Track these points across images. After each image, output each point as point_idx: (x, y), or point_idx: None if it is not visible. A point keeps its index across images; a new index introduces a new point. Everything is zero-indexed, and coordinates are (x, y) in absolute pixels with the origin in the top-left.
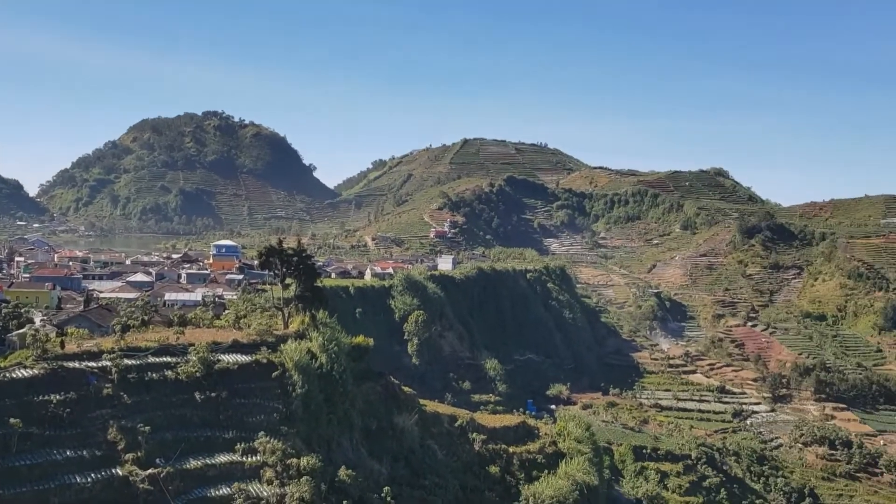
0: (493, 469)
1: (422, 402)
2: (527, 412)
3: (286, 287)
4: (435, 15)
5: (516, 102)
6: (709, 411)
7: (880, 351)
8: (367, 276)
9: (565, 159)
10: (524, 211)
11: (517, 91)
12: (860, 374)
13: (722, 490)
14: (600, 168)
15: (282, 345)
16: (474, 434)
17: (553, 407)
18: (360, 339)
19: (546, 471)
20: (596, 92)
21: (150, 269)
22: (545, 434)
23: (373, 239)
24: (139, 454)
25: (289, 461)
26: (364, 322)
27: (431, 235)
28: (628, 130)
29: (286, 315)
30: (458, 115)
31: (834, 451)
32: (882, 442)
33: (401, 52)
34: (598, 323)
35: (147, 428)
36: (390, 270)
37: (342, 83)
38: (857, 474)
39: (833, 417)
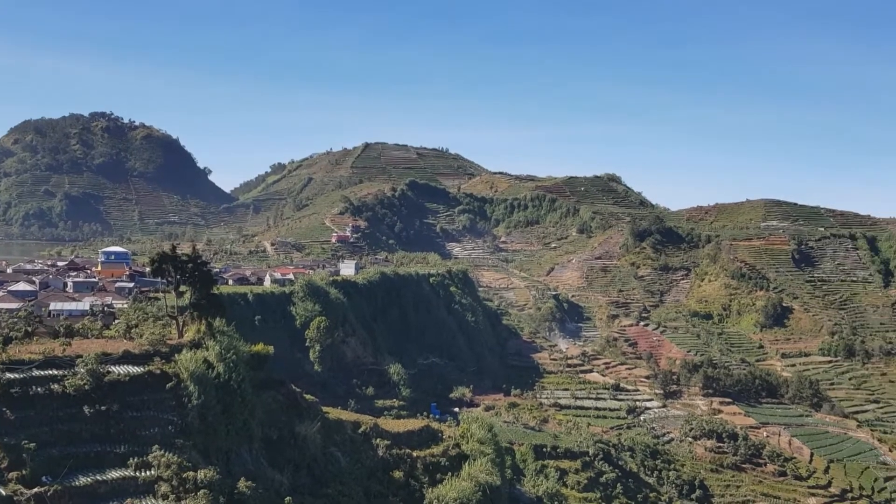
0: (397, 474)
1: (324, 409)
2: (431, 416)
3: (180, 295)
4: (331, 15)
5: (418, 107)
6: (605, 409)
7: (762, 347)
8: (267, 283)
9: (466, 164)
10: (427, 215)
11: (418, 96)
12: (744, 369)
13: (618, 485)
14: (500, 173)
15: (176, 355)
16: (378, 440)
17: (456, 410)
18: (259, 346)
19: (450, 473)
20: (494, 98)
21: (34, 278)
22: (449, 437)
23: (272, 244)
24: (24, 472)
25: (185, 475)
26: (264, 329)
27: (333, 240)
28: (526, 137)
29: (181, 324)
30: (360, 118)
31: (721, 444)
32: (765, 434)
33: (298, 52)
34: (500, 325)
35: (32, 445)
36: (291, 276)
37: (238, 83)
38: (743, 465)
39: (720, 411)
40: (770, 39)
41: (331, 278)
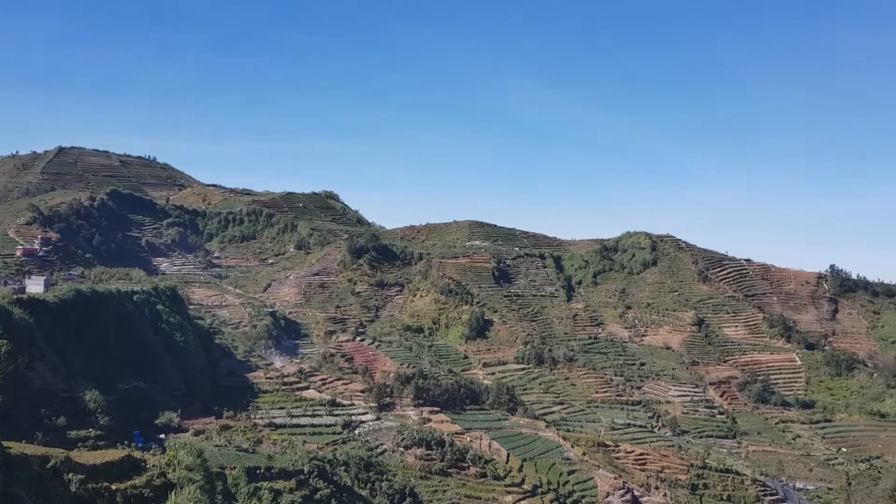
0: None
1: (5, 444)
2: (133, 444)
3: None
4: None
5: (121, 112)
6: (321, 425)
7: (467, 357)
8: None
9: (176, 175)
10: (131, 228)
11: (122, 99)
12: (451, 379)
13: (332, 500)
14: (214, 186)
15: None
16: (70, 474)
17: (163, 436)
18: None
19: None
20: (207, 108)
21: None
22: (153, 466)
23: None
24: None
25: None
26: None
27: (18, 254)
28: (242, 150)
29: None
30: (52, 119)
31: (430, 451)
32: (469, 439)
33: None
34: (213, 345)
35: None
36: None
37: None
38: (449, 470)
39: (429, 420)
40: (479, 73)
41: (14, 296)
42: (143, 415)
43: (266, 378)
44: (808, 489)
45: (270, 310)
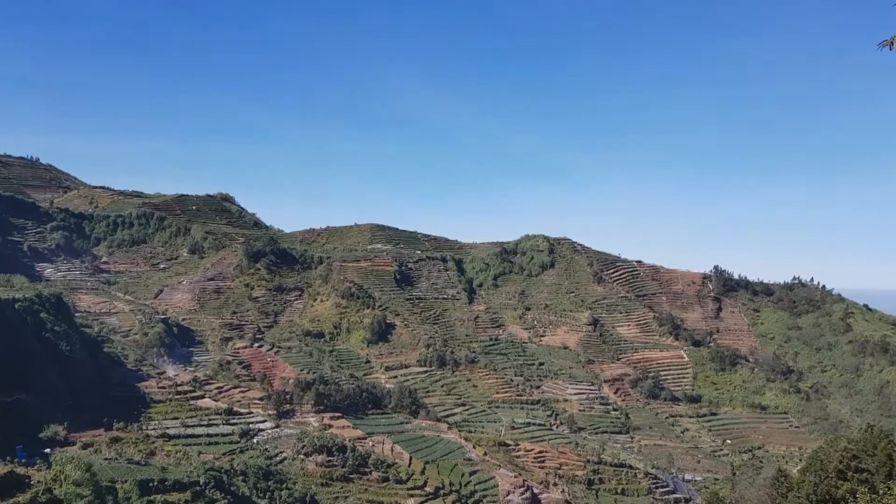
0: None
1: None
2: (16, 460)
3: None
4: None
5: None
6: (217, 434)
7: (369, 362)
8: None
9: (62, 176)
10: (11, 232)
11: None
12: (353, 384)
13: None
14: (102, 188)
15: None
16: None
17: (48, 450)
18: None
19: None
20: (94, 105)
21: None
22: (38, 482)
23: None
24: None
25: None
26: None
27: None
28: (131, 150)
29: None
30: None
31: (331, 458)
32: (371, 443)
33: None
34: (101, 354)
35: None
36: None
37: None
38: (351, 476)
39: (331, 426)
40: (378, 78)
41: None
42: (27, 428)
43: (159, 387)
44: (696, 480)
45: (162, 317)
